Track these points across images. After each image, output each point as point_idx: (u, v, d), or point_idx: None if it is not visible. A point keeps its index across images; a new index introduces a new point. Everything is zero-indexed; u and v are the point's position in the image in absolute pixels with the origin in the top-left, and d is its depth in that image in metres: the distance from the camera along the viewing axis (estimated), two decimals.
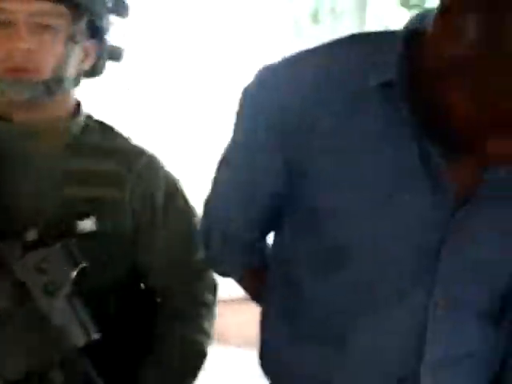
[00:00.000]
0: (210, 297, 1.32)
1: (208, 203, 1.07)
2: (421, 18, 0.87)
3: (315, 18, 3.97)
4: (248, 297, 1.20)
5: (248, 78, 0.97)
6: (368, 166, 0.88)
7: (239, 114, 0.98)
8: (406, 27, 0.88)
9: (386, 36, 0.92)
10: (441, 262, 0.90)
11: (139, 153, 1.29)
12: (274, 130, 0.91)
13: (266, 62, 0.97)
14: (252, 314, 1.25)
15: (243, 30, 3.88)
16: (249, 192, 1.00)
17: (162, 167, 1.31)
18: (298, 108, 0.89)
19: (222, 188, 1.05)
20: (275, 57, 0.98)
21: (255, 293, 1.16)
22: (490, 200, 0.89)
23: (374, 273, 0.91)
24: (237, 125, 0.99)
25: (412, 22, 0.88)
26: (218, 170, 1.04)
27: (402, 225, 0.89)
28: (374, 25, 3.91)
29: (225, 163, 1.03)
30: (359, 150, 0.88)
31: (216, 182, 1.05)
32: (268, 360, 1.07)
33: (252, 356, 1.19)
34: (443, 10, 0.77)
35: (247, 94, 0.96)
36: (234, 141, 1.00)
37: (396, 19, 3.91)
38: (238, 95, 0.97)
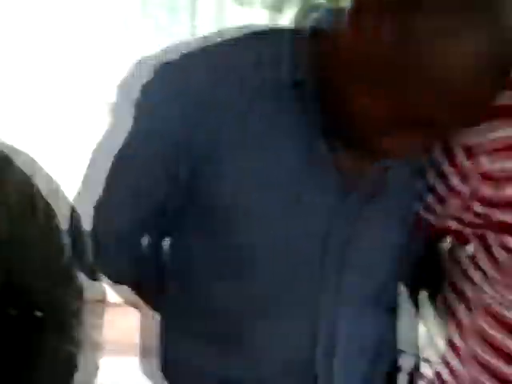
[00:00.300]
0: (76, 304, 1.20)
1: (99, 205, 1.01)
2: (321, 15, 0.89)
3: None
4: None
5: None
6: (274, 165, 0.88)
7: (136, 114, 0.92)
8: (304, 25, 0.89)
9: (288, 34, 0.90)
10: (329, 256, 0.92)
11: None
12: (174, 131, 0.89)
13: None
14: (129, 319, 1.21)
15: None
16: (144, 193, 0.97)
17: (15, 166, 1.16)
18: (199, 108, 0.87)
19: (116, 190, 0.99)
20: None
21: (151, 300, 1.13)
22: (386, 194, 0.93)
23: (280, 273, 0.92)
24: (134, 124, 0.93)
25: (312, 19, 0.89)
26: (111, 170, 0.97)
27: (309, 223, 0.90)
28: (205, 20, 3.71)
29: (119, 164, 0.96)
30: (264, 149, 0.88)
31: (109, 183, 0.98)
32: (169, 364, 1.06)
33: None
34: (356, 8, 0.77)
35: (145, 93, 0.91)
36: (130, 139, 0.94)
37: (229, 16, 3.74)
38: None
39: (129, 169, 0.96)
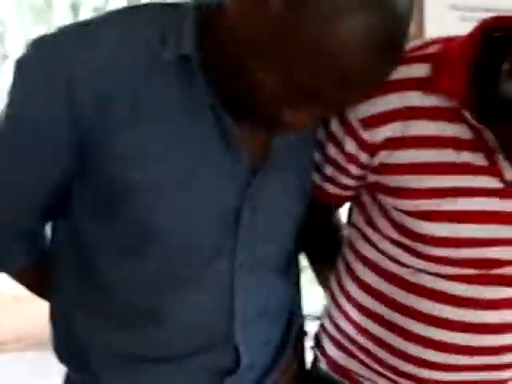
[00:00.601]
0: None
1: None
2: None
3: None
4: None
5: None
6: (169, 140, 0.87)
7: (20, 88, 0.87)
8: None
9: (177, 7, 0.90)
10: (240, 227, 0.93)
11: None
12: (65, 106, 0.84)
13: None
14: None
15: None
16: (34, 173, 0.91)
17: None
18: (93, 82, 0.84)
19: (2, 174, 0.93)
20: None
21: (37, 287, 1.11)
22: (279, 168, 0.95)
23: (183, 247, 0.91)
24: (18, 100, 0.87)
25: None
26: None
27: (206, 196, 0.90)
28: None
29: (2, 143, 0.91)
30: (160, 124, 0.86)
31: None
32: (67, 347, 1.02)
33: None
34: None
35: (29, 66, 0.86)
36: (13, 118, 0.88)
37: None
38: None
39: (19, 147, 0.90)
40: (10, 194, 0.95)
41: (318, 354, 1.20)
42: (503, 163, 0.96)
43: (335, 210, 1.23)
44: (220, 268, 0.94)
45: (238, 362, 0.98)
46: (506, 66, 0.91)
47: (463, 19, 2.01)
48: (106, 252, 0.93)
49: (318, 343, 1.21)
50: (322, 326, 1.21)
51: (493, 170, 0.96)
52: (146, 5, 0.92)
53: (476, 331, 1.02)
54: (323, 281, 1.25)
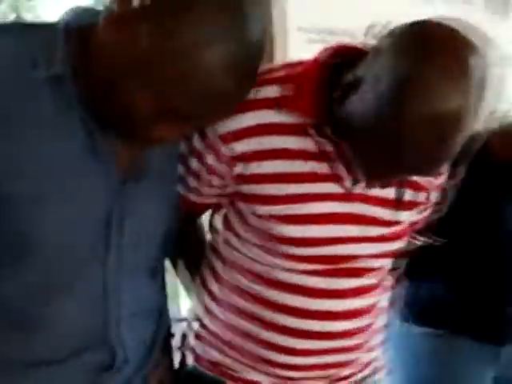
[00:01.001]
0: None
1: None
2: (77, 12, 0.95)
3: None
4: None
5: None
6: (43, 153, 0.91)
7: None
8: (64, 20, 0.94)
9: (48, 27, 0.95)
10: (111, 233, 0.99)
11: None
12: None
13: None
14: None
15: None
16: None
17: None
18: None
19: None
20: None
21: None
22: (149, 177, 1.03)
23: (59, 255, 0.95)
24: None
25: (70, 15, 0.95)
26: None
27: (79, 206, 0.95)
28: None
29: None
30: (33, 138, 0.90)
31: None
32: None
33: None
34: (115, 17, 0.85)
35: None
36: None
37: None
38: None
39: None
40: None
41: (186, 352, 1.29)
42: (342, 171, 1.10)
43: (198, 217, 1.33)
44: (93, 272, 1.00)
45: (114, 358, 1.04)
46: (336, 94, 1.04)
47: (310, 41, 2.17)
48: None
49: (185, 343, 1.30)
50: (188, 325, 1.30)
51: (335, 178, 1.11)
52: (13, 24, 0.96)
53: (328, 318, 1.16)
54: (191, 283, 1.34)
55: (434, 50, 0.93)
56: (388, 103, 0.94)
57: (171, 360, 1.29)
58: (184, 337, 1.30)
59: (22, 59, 0.91)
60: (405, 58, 0.94)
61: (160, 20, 0.82)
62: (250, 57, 0.88)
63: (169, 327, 1.25)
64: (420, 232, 1.39)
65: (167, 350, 1.26)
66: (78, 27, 0.93)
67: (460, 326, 1.66)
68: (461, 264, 1.65)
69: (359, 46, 1.08)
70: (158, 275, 1.16)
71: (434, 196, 1.26)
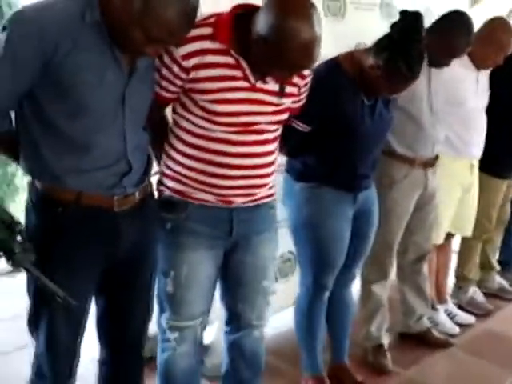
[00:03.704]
0: None
1: None
2: None
3: None
4: None
5: None
6: (91, 62, 1.73)
7: (13, 31, 1.63)
8: None
9: None
10: (124, 104, 1.83)
11: None
12: (37, 46, 1.64)
13: None
14: None
15: None
16: (8, 80, 1.68)
17: None
18: (52, 35, 1.65)
19: None
20: None
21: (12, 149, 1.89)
22: (141, 75, 1.86)
23: (101, 114, 1.79)
24: (7, 39, 1.63)
25: None
26: None
27: (106, 88, 1.78)
28: None
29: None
30: (87, 54, 1.73)
31: None
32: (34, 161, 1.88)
33: None
34: None
35: (22, 20, 1.65)
36: (11, 40, 1.63)
37: None
38: None
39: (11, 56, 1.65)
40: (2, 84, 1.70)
41: (162, 187, 2.19)
42: (250, 74, 2.00)
43: (166, 107, 2.21)
44: (118, 121, 1.84)
45: (130, 168, 1.91)
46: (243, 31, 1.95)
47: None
48: (59, 116, 1.77)
49: (160, 182, 2.20)
50: (161, 172, 2.20)
51: (245, 78, 2.01)
52: None
53: (246, 157, 2.09)
54: (160, 148, 2.21)
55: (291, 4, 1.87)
56: (270, 30, 1.85)
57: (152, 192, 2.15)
58: (160, 178, 2.21)
59: (76, 12, 1.73)
60: (275, 9, 1.86)
61: None
62: (193, 7, 1.73)
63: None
64: (296, 118, 2.35)
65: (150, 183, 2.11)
66: None
67: (325, 181, 2.65)
68: (324, 141, 2.62)
69: (256, 5, 1.98)
70: (145, 130, 2.01)
71: (303, 90, 2.20)
